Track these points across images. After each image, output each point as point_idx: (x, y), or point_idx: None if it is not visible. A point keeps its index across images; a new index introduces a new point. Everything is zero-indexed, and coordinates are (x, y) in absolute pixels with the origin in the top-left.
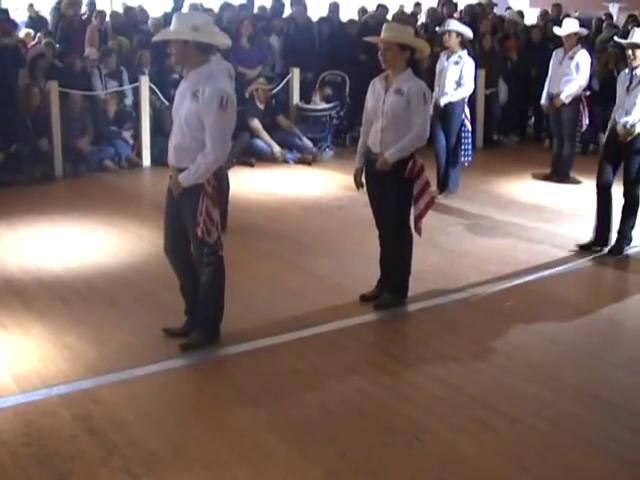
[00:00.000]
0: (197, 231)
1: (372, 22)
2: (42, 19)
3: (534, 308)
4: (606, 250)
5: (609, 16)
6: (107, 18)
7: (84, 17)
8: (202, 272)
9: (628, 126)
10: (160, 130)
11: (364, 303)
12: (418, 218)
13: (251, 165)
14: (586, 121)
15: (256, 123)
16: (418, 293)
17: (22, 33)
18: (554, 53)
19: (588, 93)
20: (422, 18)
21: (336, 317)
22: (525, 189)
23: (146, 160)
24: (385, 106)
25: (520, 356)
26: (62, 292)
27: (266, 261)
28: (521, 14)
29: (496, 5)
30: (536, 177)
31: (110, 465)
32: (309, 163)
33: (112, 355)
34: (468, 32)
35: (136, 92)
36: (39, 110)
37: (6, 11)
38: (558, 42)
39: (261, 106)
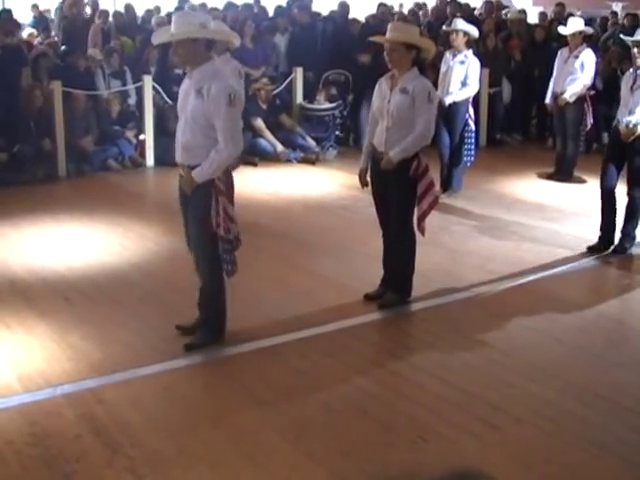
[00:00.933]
0: (219, 231)
1: (374, 21)
2: (46, 19)
3: (538, 308)
4: (610, 250)
5: (614, 14)
6: (110, 18)
7: (87, 17)
8: (209, 272)
9: (631, 125)
10: (164, 130)
11: (368, 302)
12: (421, 218)
13: (254, 165)
14: (590, 120)
15: (259, 123)
16: (422, 293)
17: (25, 33)
18: (559, 52)
19: (593, 92)
20: (427, 17)
21: (340, 317)
22: (529, 188)
23: (150, 160)
24: (390, 105)
25: (524, 356)
26: (66, 291)
27: (270, 261)
28: (523, 12)
29: (507, 7)
30: (540, 176)
31: (115, 465)
32: (312, 162)
33: (116, 355)
34: (474, 32)
35: (139, 92)
36: (42, 110)
37: (9, 11)
38: (562, 41)
39: (264, 106)
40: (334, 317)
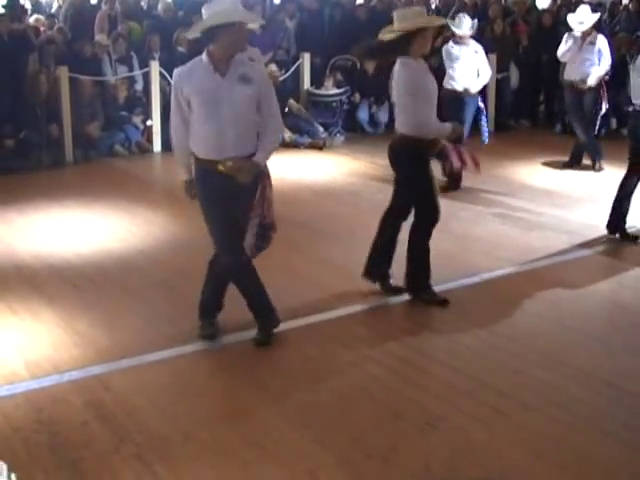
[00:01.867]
0: (266, 218)
1: (381, 7)
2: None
3: (545, 294)
4: (618, 235)
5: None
6: (117, 4)
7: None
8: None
9: None
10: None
11: (378, 289)
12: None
13: None
14: (606, 105)
15: None
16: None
17: (32, 19)
18: (570, 39)
19: (607, 78)
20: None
21: (348, 303)
22: (536, 174)
23: (157, 145)
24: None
25: (531, 342)
26: (73, 278)
27: (277, 247)
28: None
29: None
30: (551, 166)
31: (121, 452)
32: (320, 148)
33: (123, 341)
34: (474, 25)
35: (146, 77)
36: (49, 96)
37: None
38: (570, 26)
39: None
40: (342, 303)
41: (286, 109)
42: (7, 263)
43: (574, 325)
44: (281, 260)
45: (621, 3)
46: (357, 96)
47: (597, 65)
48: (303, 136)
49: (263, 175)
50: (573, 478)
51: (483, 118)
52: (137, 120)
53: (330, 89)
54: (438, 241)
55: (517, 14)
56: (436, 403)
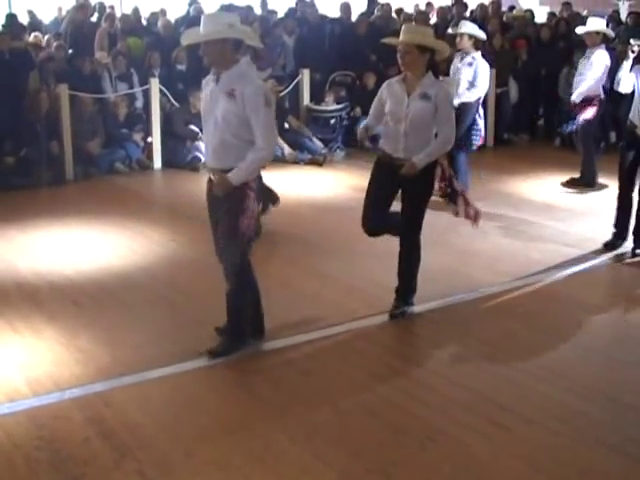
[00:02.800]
0: (247, 231)
1: (380, 22)
2: (40, 23)
3: (546, 308)
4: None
5: (617, 13)
6: (116, 21)
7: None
8: (237, 276)
9: None
10: (171, 132)
11: (378, 306)
12: (467, 210)
13: (262, 167)
14: (593, 117)
15: None
16: (430, 293)
17: (31, 36)
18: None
19: (603, 95)
20: (433, 18)
21: (348, 318)
22: (536, 188)
23: (157, 162)
24: (410, 111)
25: (532, 356)
26: (74, 295)
27: (278, 262)
28: (528, 11)
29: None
30: (565, 185)
31: (123, 468)
32: (320, 164)
33: (124, 358)
34: (481, 34)
35: (146, 94)
36: (49, 113)
37: (15, 16)
38: (569, 41)
39: None
40: (342, 319)
41: (285, 125)
42: (8, 280)
43: (575, 338)
44: (281, 275)
45: (619, 17)
46: (358, 110)
47: (585, 80)
48: (303, 152)
49: (250, 190)
50: None
51: (479, 129)
52: (137, 137)
53: (330, 105)
54: (439, 256)
55: (516, 29)
56: (437, 417)
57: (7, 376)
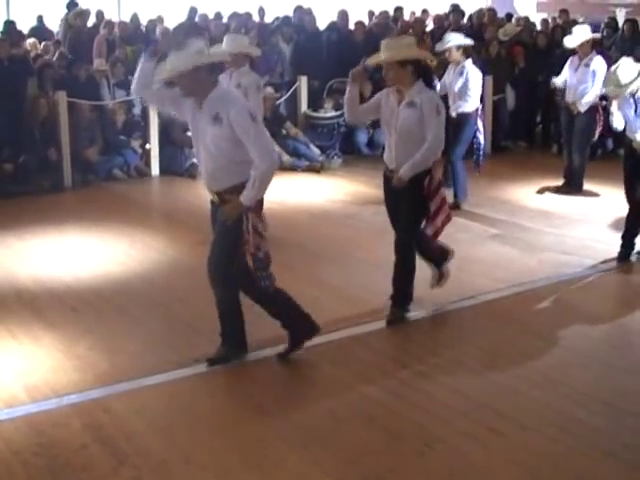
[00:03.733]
0: (248, 249)
1: (377, 29)
2: (48, 31)
3: (543, 314)
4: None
5: (613, 20)
6: (115, 28)
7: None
8: (262, 288)
9: None
10: (169, 139)
11: (377, 314)
12: (435, 235)
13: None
14: (598, 131)
15: None
16: (427, 300)
17: (28, 43)
18: (569, 60)
19: (605, 103)
20: (430, 25)
21: (346, 325)
22: (534, 195)
23: (155, 169)
24: (398, 121)
25: (529, 362)
26: (72, 302)
27: (275, 269)
28: (524, 20)
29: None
30: (548, 190)
31: (121, 475)
32: (317, 171)
33: (122, 365)
34: (466, 41)
35: (144, 101)
36: (47, 120)
37: (13, 22)
38: (565, 47)
39: (267, 114)
40: (340, 325)
41: (283, 132)
42: (6, 287)
43: (572, 345)
44: (278, 283)
45: (616, 25)
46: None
47: (591, 88)
48: (300, 159)
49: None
50: None
51: (480, 149)
52: (135, 144)
53: (328, 112)
54: None
55: (512, 36)
56: (434, 424)
57: (5, 382)
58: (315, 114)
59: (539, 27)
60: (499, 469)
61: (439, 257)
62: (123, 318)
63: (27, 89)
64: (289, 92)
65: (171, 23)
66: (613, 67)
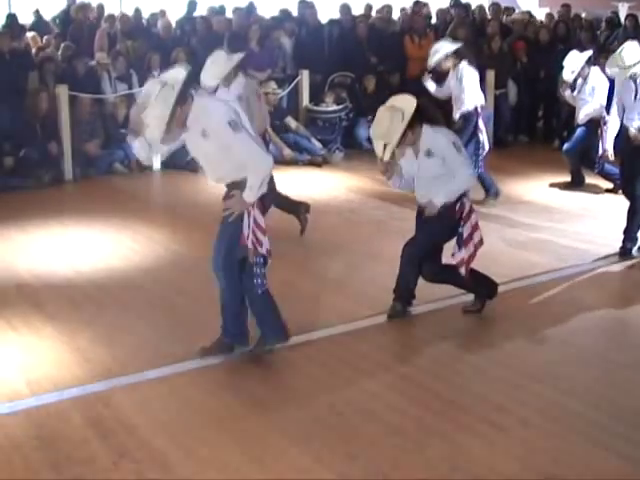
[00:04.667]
0: (247, 243)
1: (380, 24)
2: (46, 23)
3: (544, 309)
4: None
5: (615, 15)
6: (117, 22)
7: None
8: (252, 285)
9: None
10: None
11: (377, 308)
12: (469, 260)
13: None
14: (605, 147)
15: None
16: (429, 295)
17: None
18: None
19: (605, 117)
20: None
21: (347, 320)
22: (535, 190)
23: (156, 163)
24: (420, 171)
25: (530, 357)
26: (73, 295)
27: (277, 264)
28: (527, 13)
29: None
30: (557, 186)
31: (121, 468)
32: (319, 165)
33: (123, 358)
34: (453, 47)
35: None
36: (48, 114)
37: (14, 16)
38: (567, 43)
39: (270, 109)
40: (341, 320)
41: (285, 126)
42: (8, 281)
43: (573, 340)
44: (280, 277)
45: (619, 20)
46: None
47: (590, 102)
48: (302, 153)
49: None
50: None
51: (480, 153)
52: None
53: (330, 106)
54: None
55: (515, 31)
56: (435, 419)
57: (6, 376)
58: (317, 108)
59: (544, 20)
60: (500, 464)
61: (479, 287)
62: (124, 312)
63: (28, 83)
64: (291, 86)
65: (173, 17)
66: (618, 49)
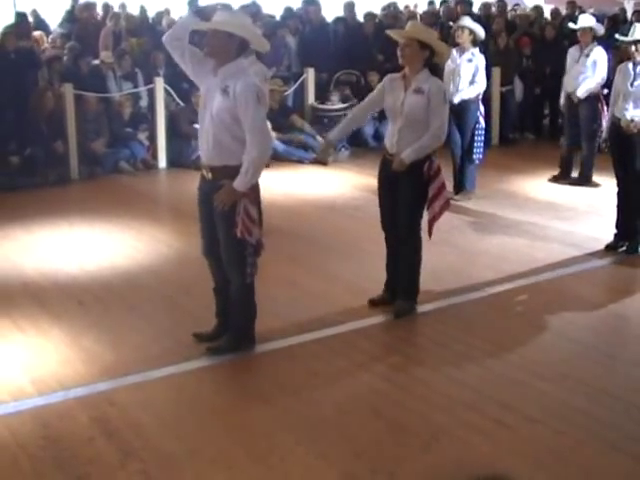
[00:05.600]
0: (236, 232)
1: (387, 21)
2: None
3: (550, 307)
4: (623, 249)
5: (623, 11)
6: (122, 20)
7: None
8: (238, 275)
9: (637, 119)
10: (175, 131)
11: (374, 308)
12: (432, 221)
13: (266, 166)
14: (604, 121)
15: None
16: (434, 292)
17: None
18: (569, 51)
19: (606, 92)
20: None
21: (353, 317)
22: (541, 187)
23: (162, 162)
24: (404, 106)
25: (535, 354)
26: (79, 294)
27: (282, 262)
28: (534, 9)
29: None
30: (550, 180)
31: (127, 468)
32: (325, 163)
33: (129, 357)
34: (481, 31)
35: (151, 93)
36: (54, 113)
37: (24, 14)
38: (573, 39)
39: (275, 106)
40: (347, 318)
41: (290, 124)
42: (13, 280)
43: (578, 337)
44: (286, 274)
45: (625, 15)
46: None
47: (591, 77)
48: (308, 151)
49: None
50: None
51: (482, 134)
52: (142, 136)
53: (335, 104)
54: (443, 255)
55: (520, 28)
56: (441, 416)
57: (12, 375)
58: (322, 106)
59: (549, 18)
60: (505, 461)
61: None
62: (130, 311)
63: (34, 82)
64: (296, 84)
65: (177, 15)
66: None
